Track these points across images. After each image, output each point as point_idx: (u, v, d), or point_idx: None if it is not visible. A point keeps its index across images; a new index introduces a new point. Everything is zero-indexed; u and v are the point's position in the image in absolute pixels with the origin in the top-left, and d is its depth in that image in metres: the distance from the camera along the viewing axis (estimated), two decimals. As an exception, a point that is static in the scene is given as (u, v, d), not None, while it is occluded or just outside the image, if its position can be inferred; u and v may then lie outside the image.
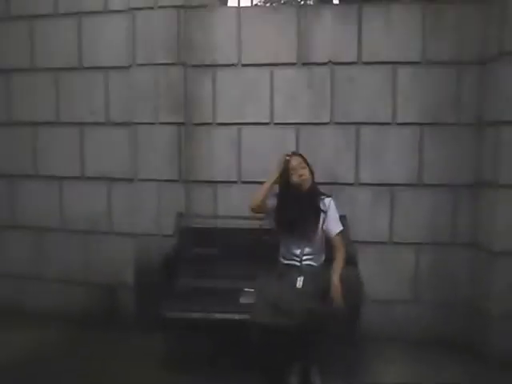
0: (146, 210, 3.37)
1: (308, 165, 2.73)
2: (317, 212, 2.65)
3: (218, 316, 2.64)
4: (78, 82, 3.57)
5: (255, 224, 2.98)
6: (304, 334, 2.46)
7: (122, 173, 3.49)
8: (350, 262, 2.65)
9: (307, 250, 2.65)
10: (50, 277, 3.71)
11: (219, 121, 3.36)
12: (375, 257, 3.22)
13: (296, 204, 2.63)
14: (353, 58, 3.20)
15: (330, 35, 3.21)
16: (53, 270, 3.70)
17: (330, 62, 3.22)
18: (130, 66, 3.38)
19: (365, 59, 3.19)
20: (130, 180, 3.43)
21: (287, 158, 2.71)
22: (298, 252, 2.66)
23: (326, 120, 3.24)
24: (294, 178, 2.67)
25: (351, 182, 3.24)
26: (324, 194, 2.74)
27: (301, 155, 2.77)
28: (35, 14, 3.61)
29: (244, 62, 3.31)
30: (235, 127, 3.34)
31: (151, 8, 3.29)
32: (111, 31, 3.47)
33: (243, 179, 3.34)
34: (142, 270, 3.38)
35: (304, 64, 3.25)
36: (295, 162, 2.70)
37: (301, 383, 2.54)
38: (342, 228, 2.67)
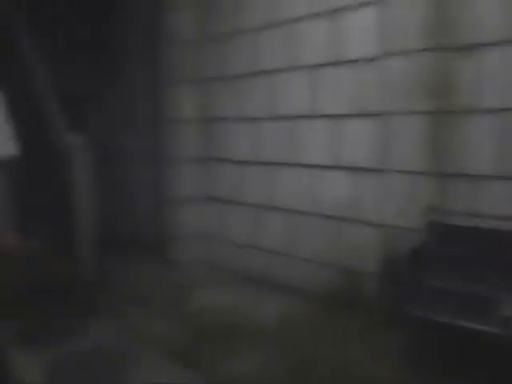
0: (394, 201, 3.32)
1: None
2: None
3: (472, 326, 2.44)
4: (331, 75, 3.72)
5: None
6: None
7: (370, 163, 3.50)
8: None
9: None
10: (299, 255, 4.04)
11: (482, 107, 2.99)
12: None
13: None
14: None
15: None
16: (302, 249, 4.02)
17: None
18: (379, 56, 3.34)
19: None
20: (379, 170, 3.42)
21: None
22: None
23: None
24: None
25: None
26: None
27: None
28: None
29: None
30: (503, 114, 2.91)
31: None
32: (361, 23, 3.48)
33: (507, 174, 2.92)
34: (386, 261, 3.37)
35: None
36: None
37: None
38: None
